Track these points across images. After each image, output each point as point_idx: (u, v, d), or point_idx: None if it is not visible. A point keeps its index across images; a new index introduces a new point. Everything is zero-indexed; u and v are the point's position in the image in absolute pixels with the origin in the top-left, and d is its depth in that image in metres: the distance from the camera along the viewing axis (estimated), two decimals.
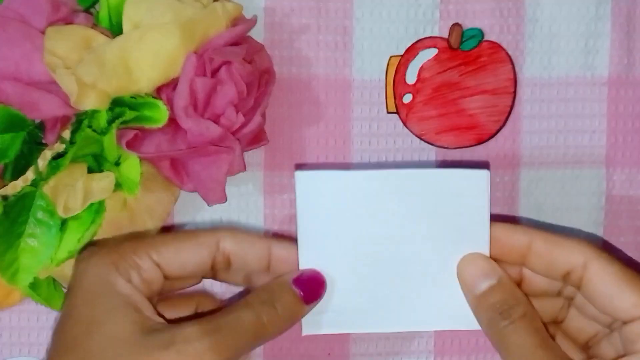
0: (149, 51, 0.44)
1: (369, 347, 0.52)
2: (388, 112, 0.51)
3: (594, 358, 0.43)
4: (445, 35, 0.51)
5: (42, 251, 0.45)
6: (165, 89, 0.45)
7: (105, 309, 0.39)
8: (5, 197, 0.44)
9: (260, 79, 0.47)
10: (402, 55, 0.51)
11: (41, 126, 0.45)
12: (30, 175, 0.44)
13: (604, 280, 0.40)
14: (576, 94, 0.52)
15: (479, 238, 0.42)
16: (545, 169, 0.52)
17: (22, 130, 0.45)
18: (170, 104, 0.45)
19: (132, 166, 0.45)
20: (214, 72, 0.45)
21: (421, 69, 0.50)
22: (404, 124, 0.51)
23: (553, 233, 0.42)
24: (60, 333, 0.41)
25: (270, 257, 0.43)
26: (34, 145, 0.45)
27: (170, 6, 0.44)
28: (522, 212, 0.52)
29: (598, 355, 0.43)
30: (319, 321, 0.43)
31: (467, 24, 0.51)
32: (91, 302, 0.40)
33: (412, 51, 0.51)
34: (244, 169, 0.47)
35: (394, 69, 0.51)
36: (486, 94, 0.51)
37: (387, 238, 0.42)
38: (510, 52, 0.52)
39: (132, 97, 0.45)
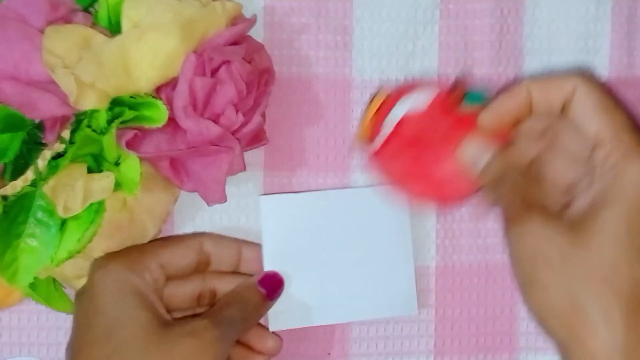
0: (148, 51, 0.44)
1: (369, 347, 0.52)
2: (358, 140, 0.49)
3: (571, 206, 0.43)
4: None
5: (42, 251, 0.45)
6: (165, 89, 0.45)
7: (129, 307, 0.44)
8: (5, 197, 0.44)
9: (260, 79, 0.47)
10: (388, 95, 0.47)
11: (40, 126, 0.45)
12: (30, 175, 0.44)
13: (583, 105, 0.42)
14: None
15: (403, 239, 0.51)
16: None
17: (21, 130, 0.45)
18: (169, 103, 0.45)
19: (131, 166, 0.45)
20: (214, 72, 0.45)
21: (403, 118, 0.46)
22: (371, 169, 0.48)
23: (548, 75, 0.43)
24: (84, 333, 0.44)
25: (240, 257, 0.50)
26: (33, 145, 0.45)
27: (170, 6, 0.44)
28: None
29: (576, 202, 0.43)
30: (284, 318, 0.49)
31: (467, 23, 0.51)
32: (115, 302, 0.44)
33: (406, 90, 0.47)
34: (244, 169, 0.47)
35: (378, 105, 0.47)
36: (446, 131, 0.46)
37: (334, 245, 0.50)
38: (509, 52, 0.52)
39: (131, 97, 0.45)
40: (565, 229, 0.40)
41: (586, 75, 0.42)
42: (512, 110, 0.44)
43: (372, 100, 0.48)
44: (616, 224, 0.40)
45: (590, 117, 0.42)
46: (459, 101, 0.46)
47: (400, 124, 0.46)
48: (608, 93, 0.42)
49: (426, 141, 0.46)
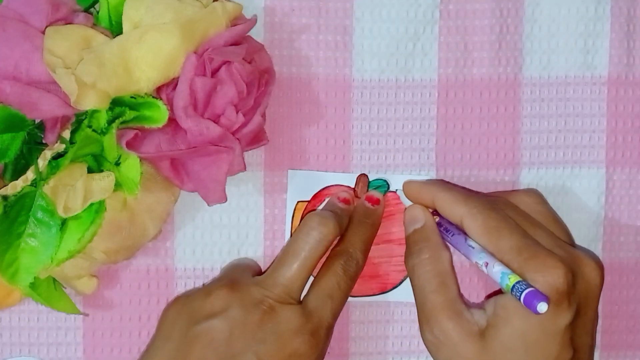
0: (148, 51, 0.44)
1: (369, 346, 0.52)
2: None
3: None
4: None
5: (42, 251, 0.45)
6: (165, 89, 0.45)
7: None
8: (5, 197, 0.44)
9: (260, 79, 0.47)
10: (308, 202, 0.51)
11: (41, 126, 0.45)
12: (30, 175, 0.44)
13: (471, 231, 0.46)
14: (575, 93, 0.52)
15: None
16: (545, 169, 0.52)
17: (22, 130, 0.45)
18: (170, 103, 0.45)
19: (132, 166, 0.45)
20: (214, 72, 0.45)
21: None
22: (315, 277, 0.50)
23: (449, 191, 0.48)
24: None
25: None
26: (34, 145, 0.45)
27: (170, 6, 0.44)
28: None
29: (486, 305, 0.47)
30: None
31: (467, 23, 0.51)
32: None
33: (319, 197, 0.51)
34: (244, 169, 0.47)
35: (300, 214, 0.51)
36: (391, 243, 0.52)
37: None
38: (509, 52, 0.52)
39: (132, 97, 0.45)
40: (477, 336, 0.45)
41: (474, 203, 0.46)
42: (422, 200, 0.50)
43: (293, 213, 0.51)
44: (514, 338, 0.44)
45: (479, 240, 0.46)
46: (365, 191, 0.51)
47: None
48: (495, 216, 0.46)
49: None
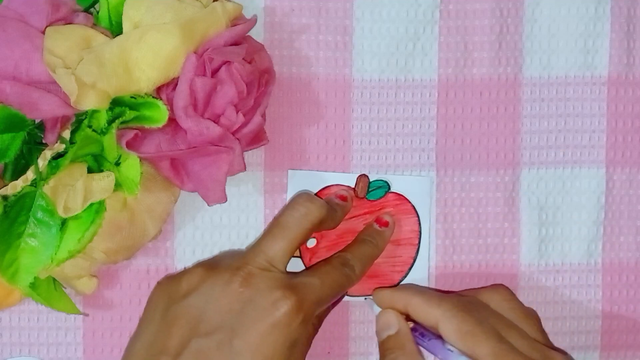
0: (148, 51, 0.44)
1: (369, 346, 0.52)
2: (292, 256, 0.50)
3: None
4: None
5: (42, 251, 0.45)
6: (165, 89, 0.45)
7: None
8: (5, 197, 0.44)
9: (260, 79, 0.47)
10: None
11: (41, 126, 0.45)
12: (30, 175, 0.44)
13: (447, 334, 0.45)
14: (576, 93, 0.52)
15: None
16: (545, 169, 0.52)
17: (22, 130, 0.45)
18: (170, 103, 0.45)
19: (132, 166, 0.45)
20: (214, 72, 0.45)
21: None
22: (307, 268, 0.51)
23: (422, 294, 0.47)
24: None
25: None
26: (34, 145, 0.45)
27: (170, 6, 0.44)
28: (522, 212, 0.52)
29: None
30: None
31: (467, 24, 0.51)
32: None
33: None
34: (244, 169, 0.47)
35: None
36: (390, 244, 0.51)
37: None
38: (509, 52, 0.52)
39: (132, 97, 0.45)
40: None
41: (448, 306, 0.45)
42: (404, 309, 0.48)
43: None
44: None
45: (456, 345, 0.44)
46: (366, 192, 0.51)
47: None
48: (470, 320, 0.45)
49: (352, 228, 0.51)
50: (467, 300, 0.47)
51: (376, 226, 0.51)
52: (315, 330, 0.48)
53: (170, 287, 0.46)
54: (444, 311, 0.45)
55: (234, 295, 0.43)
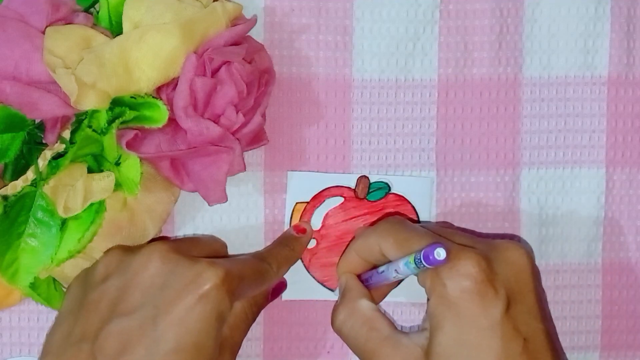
0: (148, 51, 0.44)
1: None
2: None
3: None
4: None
5: (42, 251, 0.45)
6: (165, 89, 0.45)
7: None
8: (5, 197, 0.44)
9: (260, 79, 0.47)
10: (308, 202, 0.51)
11: (41, 126, 0.45)
12: (30, 175, 0.44)
13: (389, 255, 0.46)
14: (576, 93, 0.52)
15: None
16: (545, 169, 0.52)
17: (22, 130, 0.45)
18: (170, 103, 0.45)
19: (132, 166, 0.45)
20: (214, 72, 0.45)
21: (326, 215, 0.51)
22: (307, 268, 0.51)
23: (362, 233, 0.48)
24: None
25: None
26: (34, 145, 0.45)
27: (170, 6, 0.44)
28: (522, 212, 0.52)
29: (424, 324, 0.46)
30: (297, 288, 0.51)
31: (467, 24, 0.51)
32: None
33: (318, 198, 0.51)
34: (244, 169, 0.47)
35: (299, 215, 0.51)
36: None
37: None
38: (509, 52, 0.52)
39: (132, 97, 0.45)
40: (422, 357, 0.43)
41: (384, 226, 0.46)
42: (358, 262, 0.48)
43: (292, 214, 0.51)
44: (451, 344, 0.42)
45: (396, 256, 0.44)
46: (366, 192, 0.51)
47: (325, 220, 0.51)
48: (404, 229, 0.45)
49: (352, 229, 0.51)
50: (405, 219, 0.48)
51: (293, 233, 0.51)
52: (253, 316, 0.46)
53: (87, 275, 0.44)
54: (380, 231, 0.46)
55: (155, 269, 0.41)
